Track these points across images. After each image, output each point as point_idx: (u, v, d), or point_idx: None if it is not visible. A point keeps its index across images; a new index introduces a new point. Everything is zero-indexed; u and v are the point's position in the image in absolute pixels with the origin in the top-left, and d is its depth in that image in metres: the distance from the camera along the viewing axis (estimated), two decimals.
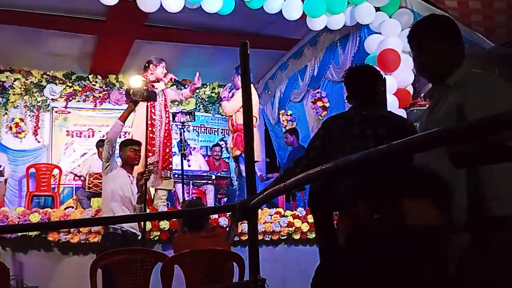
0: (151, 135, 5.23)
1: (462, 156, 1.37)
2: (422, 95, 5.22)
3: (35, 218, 4.63)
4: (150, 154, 5.17)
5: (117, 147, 4.29)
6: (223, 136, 9.00)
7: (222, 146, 8.25)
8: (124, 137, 6.62)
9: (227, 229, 4.45)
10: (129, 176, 4.27)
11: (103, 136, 8.00)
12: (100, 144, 7.13)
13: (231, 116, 5.79)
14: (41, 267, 4.61)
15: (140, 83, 4.63)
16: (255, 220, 2.38)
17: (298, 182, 1.80)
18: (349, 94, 2.48)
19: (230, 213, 4.35)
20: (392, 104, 5.05)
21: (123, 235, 3.99)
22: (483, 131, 1.01)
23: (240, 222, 4.46)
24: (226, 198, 7.08)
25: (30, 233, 4.57)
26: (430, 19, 1.96)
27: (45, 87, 8.09)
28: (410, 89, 5.52)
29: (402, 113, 5.26)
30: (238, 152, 5.70)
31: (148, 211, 4.53)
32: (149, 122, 5.16)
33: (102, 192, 4.26)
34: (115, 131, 4.20)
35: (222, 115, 8.78)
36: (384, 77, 3.06)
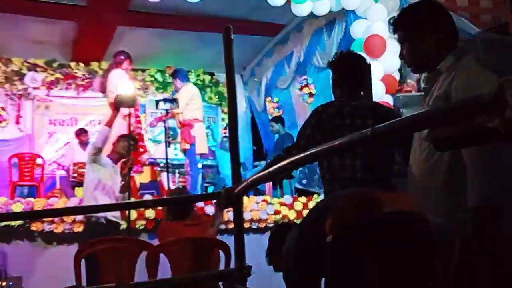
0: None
1: (443, 139, 1.37)
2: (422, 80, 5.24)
3: (17, 207, 4.57)
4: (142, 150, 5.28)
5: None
6: (209, 124, 8.94)
7: (208, 134, 8.20)
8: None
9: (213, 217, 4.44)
10: (113, 166, 4.25)
11: (86, 125, 7.91)
12: (79, 132, 7.10)
13: (178, 113, 5.76)
14: (24, 257, 4.56)
15: (130, 90, 4.57)
16: (240, 207, 2.37)
17: (282, 169, 1.79)
18: (338, 80, 2.44)
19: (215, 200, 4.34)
20: (379, 90, 5.05)
21: (106, 224, 3.96)
22: (457, 115, 1.01)
23: (226, 210, 4.44)
24: (213, 187, 7.06)
25: (13, 223, 4.51)
26: (411, 7, 1.93)
27: (25, 75, 7.92)
28: (397, 75, 5.52)
29: (389, 99, 5.27)
30: (187, 146, 5.71)
31: (132, 200, 4.50)
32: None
33: (85, 181, 4.23)
34: (103, 139, 4.14)
35: (208, 103, 8.72)
36: (370, 63, 3.05)
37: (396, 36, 1.93)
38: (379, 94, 5.01)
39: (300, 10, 5.71)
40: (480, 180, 1.60)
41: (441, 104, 1.70)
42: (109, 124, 4.19)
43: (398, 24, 1.89)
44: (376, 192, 1.92)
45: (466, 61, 1.74)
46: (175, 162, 6.32)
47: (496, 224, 1.57)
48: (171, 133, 5.73)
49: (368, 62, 2.60)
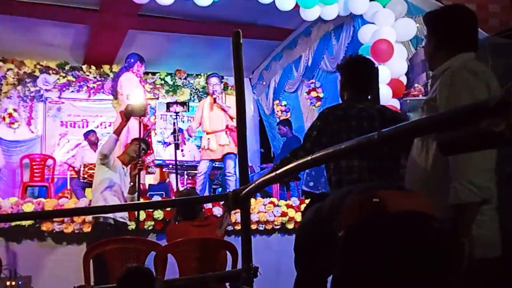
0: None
1: (449, 143, 1.39)
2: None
3: (28, 208, 4.62)
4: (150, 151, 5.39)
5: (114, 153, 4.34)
6: None
7: None
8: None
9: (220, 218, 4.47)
10: (123, 168, 4.29)
11: (97, 127, 8.00)
12: (88, 133, 7.20)
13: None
14: (34, 257, 4.61)
15: (140, 100, 4.63)
16: (247, 209, 2.40)
17: (289, 171, 1.82)
18: (346, 83, 2.46)
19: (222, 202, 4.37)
20: (386, 94, 5.06)
21: (114, 225, 4.00)
22: (463, 120, 1.03)
23: (233, 212, 4.47)
24: (220, 188, 7.09)
25: (23, 223, 4.56)
26: (438, 9, 2.01)
27: (38, 77, 8.02)
28: (404, 79, 5.52)
29: (396, 103, 5.27)
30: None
31: (141, 201, 4.55)
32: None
33: (94, 182, 4.27)
34: (111, 146, 4.18)
35: None
36: (377, 67, 3.07)
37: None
38: (386, 98, 5.02)
39: (309, 14, 5.74)
40: (458, 178, 1.65)
41: (429, 108, 1.77)
42: (118, 132, 4.22)
43: (423, 20, 2.02)
44: (390, 190, 1.94)
45: (455, 68, 1.78)
46: (183, 164, 6.36)
47: (470, 222, 1.62)
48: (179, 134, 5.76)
49: (376, 66, 2.62)
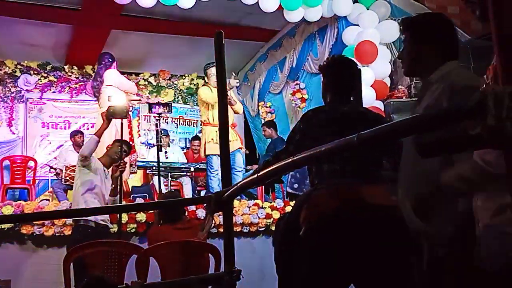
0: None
1: (426, 145, 1.39)
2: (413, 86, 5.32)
3: (7, 210, 4.54)
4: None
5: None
6: (201, 128, 8.93)
7: None
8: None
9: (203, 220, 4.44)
10: (104, 170, 4.24)
11: (80, 128, 7.89)
12: (75, 133, 7.10)
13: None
14: (14, 261, 4.53)
15: (122, 101, 4.58)
16: (230, 211, 2.38)
17: (271, 173, 1.81)
18: (328, 84, 2.45)
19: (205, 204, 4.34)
20: (369, 96, 5.09)
21: (95, 228, 3.95)
22: (441, 122, 1.03)
23: (217, 214, 4.44)
24: (205, 191, 7.05)
25: (3, 226, 4.48)
26: (421, 15, 2.05)
27: (19, 77, 7.89)
28: (387, 81, 5.57)
29: (379, 105, 5.30)
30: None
31: (123, 203, 4.49)
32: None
33: (74, 183, 4.21)
34: (91, 148, 4.12)
35: None
36: (360, 68, 3.08)
37: (403, 36, 2.06)
38: (370, 100, 5.05)
39: (293, 16, 5.75)
40: None
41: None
42: (99, 134, 4.17)
43: (404, 25, 2.02)
44: (351, 184, 1.96)
45: (455, 74, 1.80)
46: (167, 165, 6.32)
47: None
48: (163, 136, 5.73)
49: (358, 67, 2.61)
